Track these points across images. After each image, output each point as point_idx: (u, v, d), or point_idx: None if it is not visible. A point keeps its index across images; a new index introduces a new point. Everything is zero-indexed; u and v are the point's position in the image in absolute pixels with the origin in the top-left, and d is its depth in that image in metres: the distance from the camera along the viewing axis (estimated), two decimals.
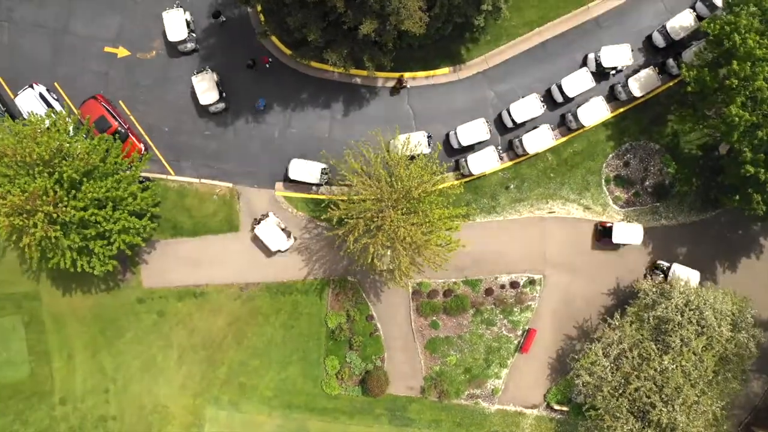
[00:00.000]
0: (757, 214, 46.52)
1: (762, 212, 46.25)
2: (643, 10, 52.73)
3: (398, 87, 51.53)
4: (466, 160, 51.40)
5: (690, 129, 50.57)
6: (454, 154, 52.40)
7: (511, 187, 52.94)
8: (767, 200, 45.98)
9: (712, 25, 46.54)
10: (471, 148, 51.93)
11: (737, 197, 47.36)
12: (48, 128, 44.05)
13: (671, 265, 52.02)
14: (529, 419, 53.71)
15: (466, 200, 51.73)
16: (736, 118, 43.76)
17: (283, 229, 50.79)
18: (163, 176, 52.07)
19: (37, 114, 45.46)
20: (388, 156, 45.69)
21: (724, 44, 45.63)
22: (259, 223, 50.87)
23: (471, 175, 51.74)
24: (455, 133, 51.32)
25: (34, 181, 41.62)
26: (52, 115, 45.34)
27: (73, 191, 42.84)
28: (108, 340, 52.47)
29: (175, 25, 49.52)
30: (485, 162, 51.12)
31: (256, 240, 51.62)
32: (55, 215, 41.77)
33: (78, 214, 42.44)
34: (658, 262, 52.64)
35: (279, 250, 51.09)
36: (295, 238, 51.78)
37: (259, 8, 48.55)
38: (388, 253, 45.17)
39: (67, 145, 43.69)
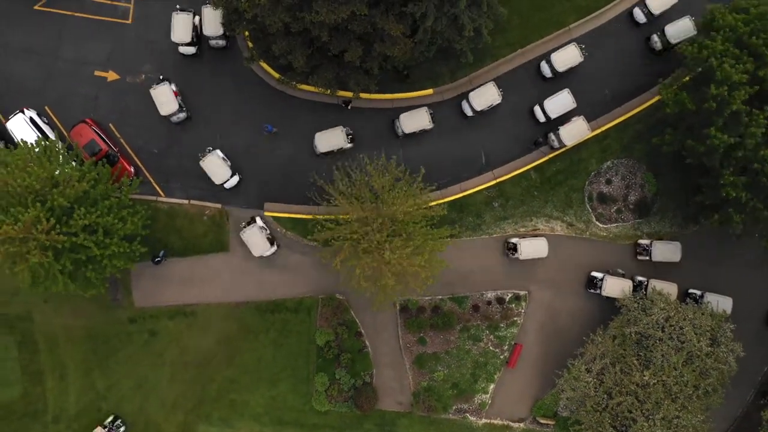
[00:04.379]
0: (736, 232, 47.59)
1: (740, 231, 47.34)
2: None
3: (345, 104, 52.49)
4: (557, 133, 52.10)
5: (670, 148, 51.59)
6: (540, 128, 53.34)
7: (496, 205, 53.92)
8: (746, 220, 47.03)
9: (690, 47, 47.55)
10: (558, 121, 52.57)
11: (716, 217, 48.37)
12: (38, 157, 44.62)
13: (648, 281, 53.02)
14: None
15: (451, 219, 52.62)
16: (716, 141, 44.77)
17: (268, 238, 51.43)
18: (153, 198, 52.85)
19: (27, 143, 46.04)
20: (374, 180, 46.50)
21: (701, 68, 46.70)
22: (245, 228, 51.41)
23: (563, 147, 52.54)
24: (541, 107, 52.16)
25: (27, 210, 42.21)
26: (43, 143, 45.91)
27: (65, 218, 43.49)
28: (100, 359, 53.16)
29: (183, 28, 50.42)
30: (577, 132, 51.89)
31: (245, 258, 52.53)
32: (47, 243, 42.37)
33: (70, 240, 43.11)
34: (638, 278, 53.61)
35: (261, 256, 51.56)
36: (278, 246, 52.32)
37: (246, 34, 49.39)
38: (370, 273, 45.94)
39: (57, 172, 44.31)
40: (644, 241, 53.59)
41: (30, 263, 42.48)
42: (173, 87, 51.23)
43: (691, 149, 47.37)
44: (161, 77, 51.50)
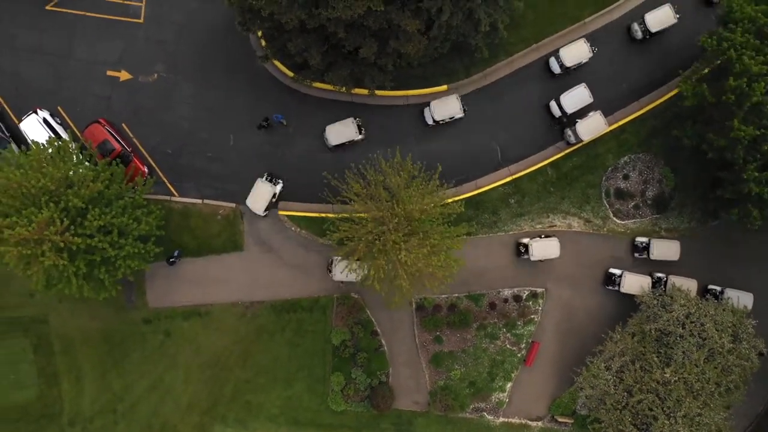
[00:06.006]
0: (754, 228, 46.95)
1: (758, 227, 46.71)
2: None
3: (264, 125, 51.80)
4: (574, 128, 51.64)
5: (690, 142, 50.93)
6: (555, 124, 53.00)
7: (512, 202, 53.43)
8: (766, 215, 46.36)
9: (709, 39, 46.93)
10: (575, 116, 52.11)
11: (736, 211, 47.73)
12: (52, 157, 44.37)
13: (667, 277, 52.42)
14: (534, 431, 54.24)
15: (467, 216, 52.07)
16: (740, 133, 44.14)
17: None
18: (167, 197, 52.60)
19: (41, 144, 45.77)
20: (390, 178, 46.01)
21: (720, 60, 46.10)
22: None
23: (580, 142, 52.13)
24: (557, 102, 51.66)
25: (40, 211, 41.90)
26: (57, 143, 45.64)
27: (80, 219, 43.20)
28: (116, 360, 52.98)
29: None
30: (594, 127, 51.36)
31: (260, 258, 52.19)
32: (62, 244, 42.10)
33: (85, 241, 42.82)
34: (656, 275, 53.03)
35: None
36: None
37: (259, 33, 49.01)
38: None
39: (71, 173, 44.03)
40: (642, 239, 52.65)
41: (45, 265, 42.12)
42: (277, 189, 51.07)
43: (712, 143, 46.70)
44: (271, 176, 51.46)
